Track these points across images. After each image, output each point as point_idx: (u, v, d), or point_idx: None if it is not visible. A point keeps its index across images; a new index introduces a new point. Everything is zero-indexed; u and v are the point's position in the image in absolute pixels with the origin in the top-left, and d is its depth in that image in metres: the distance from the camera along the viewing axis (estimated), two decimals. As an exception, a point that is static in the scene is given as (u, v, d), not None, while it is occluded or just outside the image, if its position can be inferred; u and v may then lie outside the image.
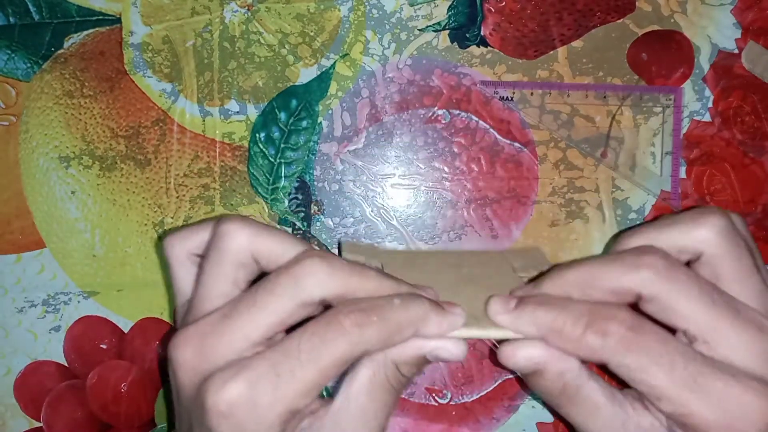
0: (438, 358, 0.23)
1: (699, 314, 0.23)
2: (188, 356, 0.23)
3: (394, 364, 0.23)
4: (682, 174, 0.37)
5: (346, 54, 0.37)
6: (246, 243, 0.24)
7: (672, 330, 0.23)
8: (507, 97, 0.37)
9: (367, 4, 0.36)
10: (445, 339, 0.23)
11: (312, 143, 0.36)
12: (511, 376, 0.36)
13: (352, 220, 0.36)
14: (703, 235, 0.24)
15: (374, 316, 0.22)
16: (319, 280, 0.23)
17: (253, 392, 0.21)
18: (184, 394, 0.23)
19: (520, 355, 0.23)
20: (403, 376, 0.23)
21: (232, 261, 0.24)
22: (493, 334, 0.24)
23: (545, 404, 0.36)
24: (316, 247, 0.30)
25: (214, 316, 0.23)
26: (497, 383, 0.36)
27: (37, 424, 0.36)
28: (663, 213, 0.36)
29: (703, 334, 0.23)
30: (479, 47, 0.37)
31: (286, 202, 0.36)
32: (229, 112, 0.36)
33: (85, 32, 0.36)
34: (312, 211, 0.36)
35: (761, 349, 0.22)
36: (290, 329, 0.23)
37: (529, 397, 0.36)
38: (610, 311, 0.23)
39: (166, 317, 0.36)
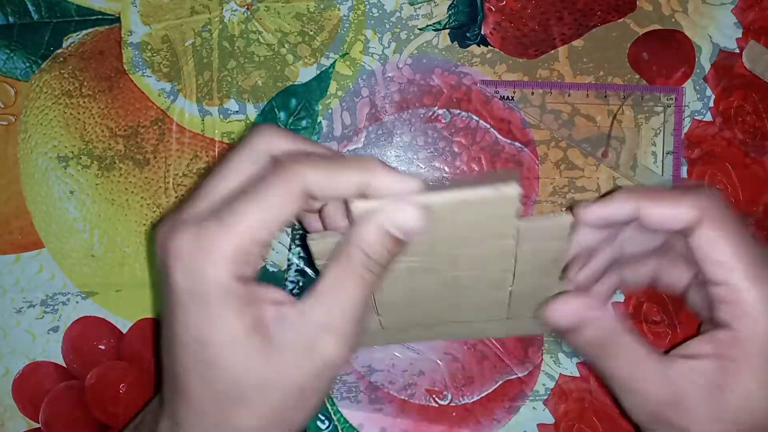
0: (399, 226, 0.23)
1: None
2: (166, 227, 0.24)
3: (360, 249, 0.23)
4: (684, 174, 0.37)
5: (346, 53, 0.36)
6: (267, 140, 0.25)
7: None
8: (507, 97, 0.37)
9: (367, 3, 0.36)
10: (404, 203, 0.23)
11: (312, 143, 0.36)
12: (511, 377, 0.36)
13: (351, 220, 0.36)
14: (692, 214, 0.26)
15: (318, 157, 0.23)
16: (267, 137, 0.24)
17: (201, 231, 0.22)
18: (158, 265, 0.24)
19: (564, 311, 0.25)
20: (370, 259, 0.23)
21: (249, 155, 0.25)
22: (476, 194, 0.22)
23: (546, 405, 0.36)
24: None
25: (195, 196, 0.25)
26: (498, 384, 0.36)
27: (36, 425, 0.36)
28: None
29: None
30: (480, 46, 0.37)
31: (286, 201, 0.36)
32: (229, 112, 0.36)
33: (84, 32, 0.36)
34: (312, 211, 0.36)
35: None
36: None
37: (530, 398, 0.36)
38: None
39: (165, 317, 0.36)
